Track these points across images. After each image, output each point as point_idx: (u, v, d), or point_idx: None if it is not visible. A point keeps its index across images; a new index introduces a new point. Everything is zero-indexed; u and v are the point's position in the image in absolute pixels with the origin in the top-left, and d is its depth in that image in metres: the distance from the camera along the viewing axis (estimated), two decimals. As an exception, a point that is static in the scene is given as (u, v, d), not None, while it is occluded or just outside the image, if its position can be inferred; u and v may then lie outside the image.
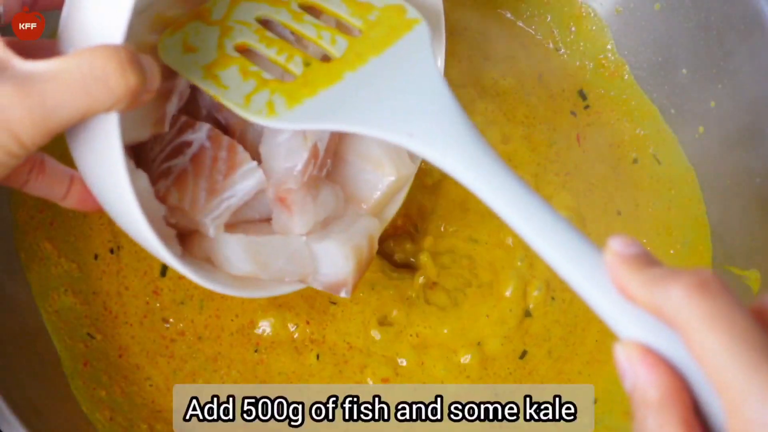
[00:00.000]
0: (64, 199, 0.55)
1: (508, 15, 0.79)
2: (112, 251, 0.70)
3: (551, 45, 0.78)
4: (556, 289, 0.70)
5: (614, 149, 0.75)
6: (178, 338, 0.69)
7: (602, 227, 0.73)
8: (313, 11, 0.59)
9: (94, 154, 0.49)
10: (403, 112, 0.52)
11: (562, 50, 0.78)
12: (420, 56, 0.54)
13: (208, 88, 0.53)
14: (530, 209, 0.46)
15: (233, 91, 0.53)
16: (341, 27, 0.59)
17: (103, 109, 0.45)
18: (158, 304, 0.69)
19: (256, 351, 0.68)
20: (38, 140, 0.45)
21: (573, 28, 0.78)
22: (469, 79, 0.76)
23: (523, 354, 0.69)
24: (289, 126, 0.53)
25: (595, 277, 0.42)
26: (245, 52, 0.55)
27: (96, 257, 0.70)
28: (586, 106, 0.77)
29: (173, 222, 0.58)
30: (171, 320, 0.69)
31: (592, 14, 0.77)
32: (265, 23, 0.57)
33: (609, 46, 0.77)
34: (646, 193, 0.74)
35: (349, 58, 0.54)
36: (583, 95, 0.77)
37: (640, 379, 0.39)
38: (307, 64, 0.54)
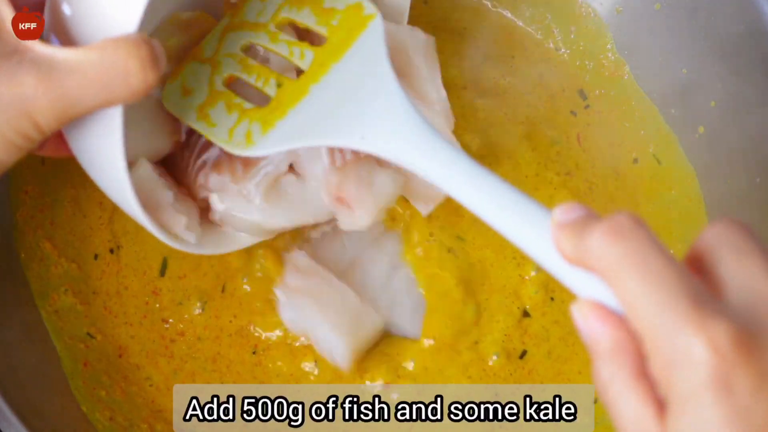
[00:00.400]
0: (41, 148, 0.55)
1: (508, 15, 0.79)
2: (111, 251, 0.70)
3: (551, 45, 0.78)
4: (555, 289, 0.70)
5: (614, 149, 0.75)
6: (177, 338, 0.69)
7: None
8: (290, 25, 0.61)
9: (94, 136, 0.50)
10: (356, 116, 0.54)
11: (562, 50, 0.78)
12: (373, 55, 0.56)
13: (200, 129, 0.57)
14: (481, 183, 0.48)
15: (220, 128, 0.57)
16: (313, 36, 0.61)
17: (119, 102, 0.46)
18: (158, 305, 0.69)
19: (254, 353, 0.68)
20: (55, 127, 0.46)
21: (573, 28, 0.78)
22: (469, 79, 0.76)
23: (523, 354, 0.69)
24: (263, 152, 0.56)
25: (549, 243, 0.43)
26: (234, 82, 0.59)
27: (96, 257, 0.70)
28: (586, 106, 0.77)
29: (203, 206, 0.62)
30: (171, 320, 0.69)
31: (592, 14, 0.77)
32: (250, 49, 0.60)
33: (609, 46, 0.77)
34: (646, 193, 0.74)
35: (313, 70, 0.57)
36: (583, 95, 0.77)
37: (592, 333, 0.40)
38: (279, 85, 0.57)
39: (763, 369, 0.36)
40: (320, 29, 0.58)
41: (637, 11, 0.74)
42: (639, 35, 0.75)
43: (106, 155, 0.50)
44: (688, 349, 0.36)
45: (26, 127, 0.46)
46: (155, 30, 0.60)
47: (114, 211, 0.70)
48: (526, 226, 0.45)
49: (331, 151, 0.62)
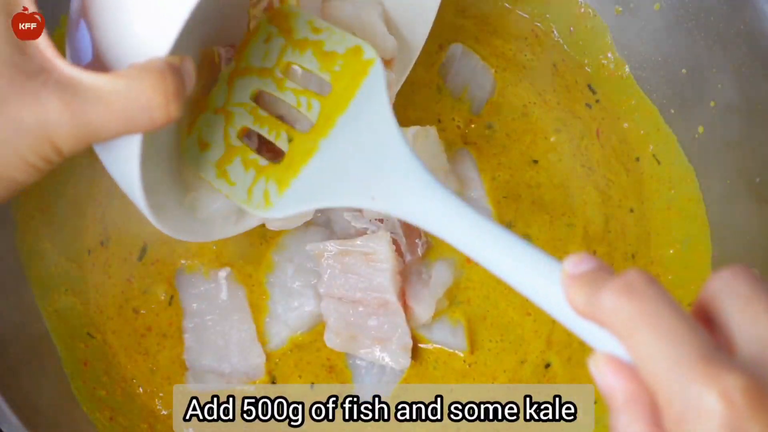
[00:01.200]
0: None
1: (508, 6, 0.79)
2: (102, 243, 0.71)
3: (558, 38, 0.79)
4: None
5: (623, 146, 0.76)
6: (147, 333, 0.69)
7: (619, 227, 0.74)
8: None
9: (115, 148, 0.50)
10: (365, 175, 0.54)
11: (566, 48, 0.78)
12: (377, 104, 0.56)
13: (221, 188, 0.58)
14: (492, 239, 0.48)
15: (239, 187, 0.58)
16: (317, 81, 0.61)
17: (141, 131, 0.46)
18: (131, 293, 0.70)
19: None
20: (75, 151, 0.46)
21: (572, 29, 0.78)
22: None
23: (548, 365, 0.70)
24: (280, 215, 0.57)
25: (562, 297, 0.43)
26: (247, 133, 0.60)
27: (89, 252, 0.71)
28: (597, 101, 0.77)
29: None
30: (141, 311, 0.69)
31: (592, 14, 0.77)
32: (259, 96, 0.61)
33: (609, 46, 0.77)
34: (646, 193, 0.74)
35: (321, 123, 0.57)
36: (592, 90, 0.77)
37: (608, 385, 0.41)
38: (290, 140, 0.58)
39: None
40: (324, 76, 0.58)
41: (637, 11, 0.74)
42: (639, 35, 0.75)
43: (125, 168, 0.50)
44: (700, 402, 0.36)
45: (46, 151, 0.45)
46: None
47: (107, 206, 0.71)
48: (539, 280, 0.45)
49: (398, 252, 0.66)
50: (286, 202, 0.56)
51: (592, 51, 0.77)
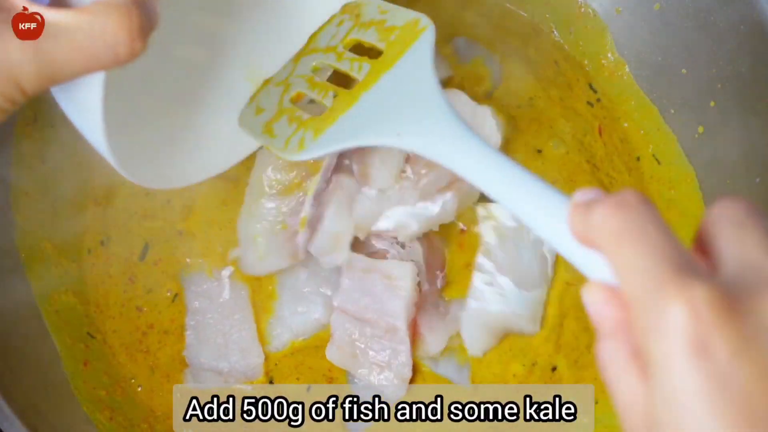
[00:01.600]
0: None
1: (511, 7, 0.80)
2: (102, 243, 0.71)
3: (558, 38, 0.79)
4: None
5: (624, 145, 0.76)
6: (148, 331, 0.69)
7: None
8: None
9: (77, 88, 0.49)
10: (396, 116, 0.57)
11: (566, 47, 0.78)
12: (420, 61, 0.59)
13: (263, 141, 0.62)
14: (510, 175, 0.49)
15: (279, 139, 0.61)
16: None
17: (105, 69, 0.46)
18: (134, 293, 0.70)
19: None
20: (40, 90, 0.45)
21: (572, 29, 0.78)
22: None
23: (554, 368, 0.70)
24: (309, 156, 0.59)
25: (564, 227, 0.44)
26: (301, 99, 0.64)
27: (89, 252, 0.71)
28: (598, 99, 0.77)
29: None
30: (144, 308, 0.69)
31: (592, 14, 0.77)
32: (319, 69, 0.65)
33: (609, 46, 0.77)
34: (646, 193, 0.74)
35: (367, 80, 0.60)
36: (593, 89, 0.77)
37: (597, 313, 0.40)
38: (335, 96, 0.61)
39: (745, 333, 0.34)
40: (380, 45, 0.61)
41: (637, 11, 0.74)
42: (639, 35, 0.75)
43: (88, 107, 0.49)
44: (666, 312, 0.35)
45: (10, 91, 0.44)
46: None
47: (107, 206, 0.71)
48: (546, 212, 0.46)
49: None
50: (318, 145, 0.59)
51: (592, 51, 0.77)
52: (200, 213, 0.72)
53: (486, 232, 0.70)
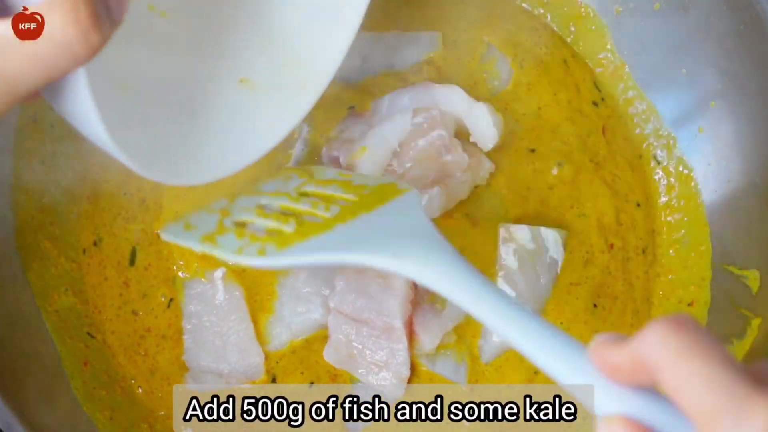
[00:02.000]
0: None
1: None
2: (95, 244, 0.71)
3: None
4: (602, 295, 0.70)
5: (627, 144, 0.76)
6: (146, 334, 0.69)
7: (629, 220, 0.74)
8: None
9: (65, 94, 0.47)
10: (390, 237, 0.54)
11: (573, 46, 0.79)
12: (410, 209, 0.57)
13: (204, 249, 0.58)
14: (512, 315, 0.48)
15: (225, 249, 0.58)
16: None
17: (69, 71, 0.41)
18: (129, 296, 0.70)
19: None
20: (4, 108, 0.41)
21: (573, 28, 0.78)
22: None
23: None
24: (276, 264, 0.57)
25: (577, 365, 0.44)
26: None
27: (84, 251, 0.71)
28: (602, 98, 0.77)
29: None
30: (140, 313, 0.69)
31: (592, 14, 0.77)
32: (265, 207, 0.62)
33: (609, 46, 0.77)
34: (649, 192, 0.74)
35: (341, 215, 0.58)
36: (598, 88, 0.77)
37: None
38: (300, 224, 0.58)
39: None
40: (349, 196, 0.59)
41: (637, 11, 0.74)
42: (639, 35, 0.75)
43: (81, 111, 0.47)
44: (749, 420, 0.36)
45: None
46: None
47: (96, 204, 0.71)
48: (558, 353, 0.46)
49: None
50: (287, 254, 0.56)
51: (592, 51, 0.77)
52: (169, 212, 0.71)
53: (506, 255, 0.69)
